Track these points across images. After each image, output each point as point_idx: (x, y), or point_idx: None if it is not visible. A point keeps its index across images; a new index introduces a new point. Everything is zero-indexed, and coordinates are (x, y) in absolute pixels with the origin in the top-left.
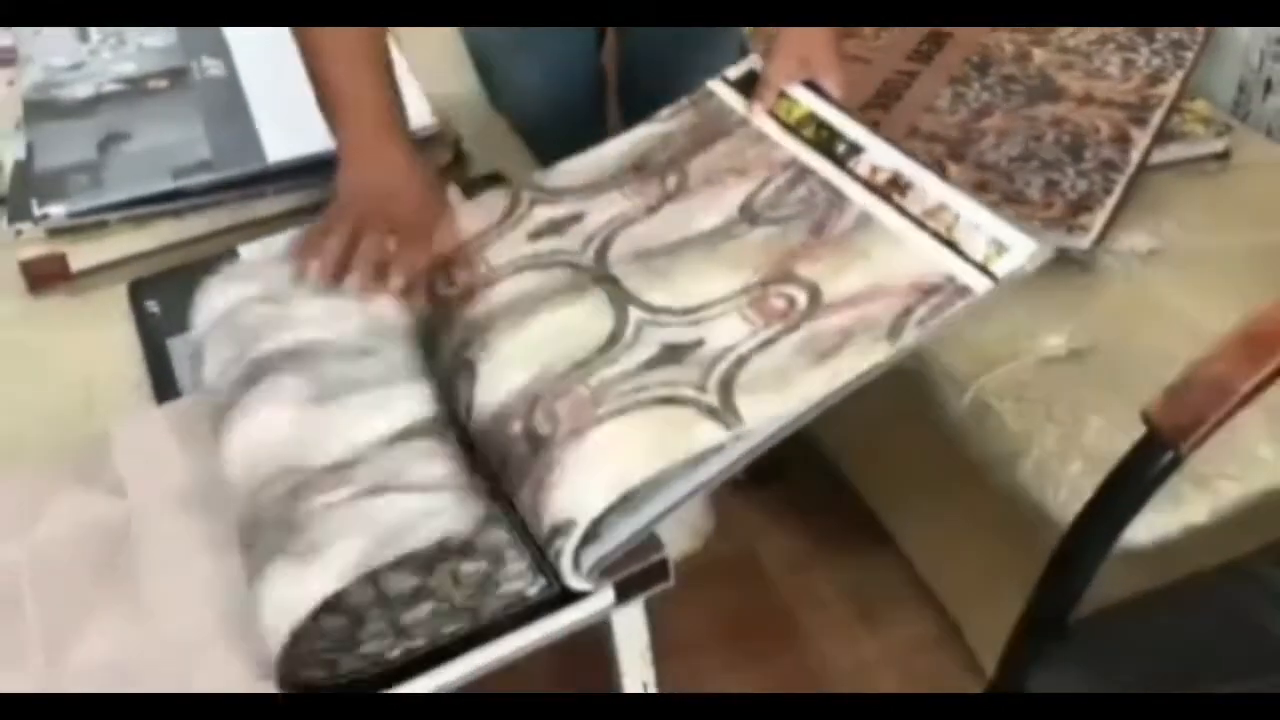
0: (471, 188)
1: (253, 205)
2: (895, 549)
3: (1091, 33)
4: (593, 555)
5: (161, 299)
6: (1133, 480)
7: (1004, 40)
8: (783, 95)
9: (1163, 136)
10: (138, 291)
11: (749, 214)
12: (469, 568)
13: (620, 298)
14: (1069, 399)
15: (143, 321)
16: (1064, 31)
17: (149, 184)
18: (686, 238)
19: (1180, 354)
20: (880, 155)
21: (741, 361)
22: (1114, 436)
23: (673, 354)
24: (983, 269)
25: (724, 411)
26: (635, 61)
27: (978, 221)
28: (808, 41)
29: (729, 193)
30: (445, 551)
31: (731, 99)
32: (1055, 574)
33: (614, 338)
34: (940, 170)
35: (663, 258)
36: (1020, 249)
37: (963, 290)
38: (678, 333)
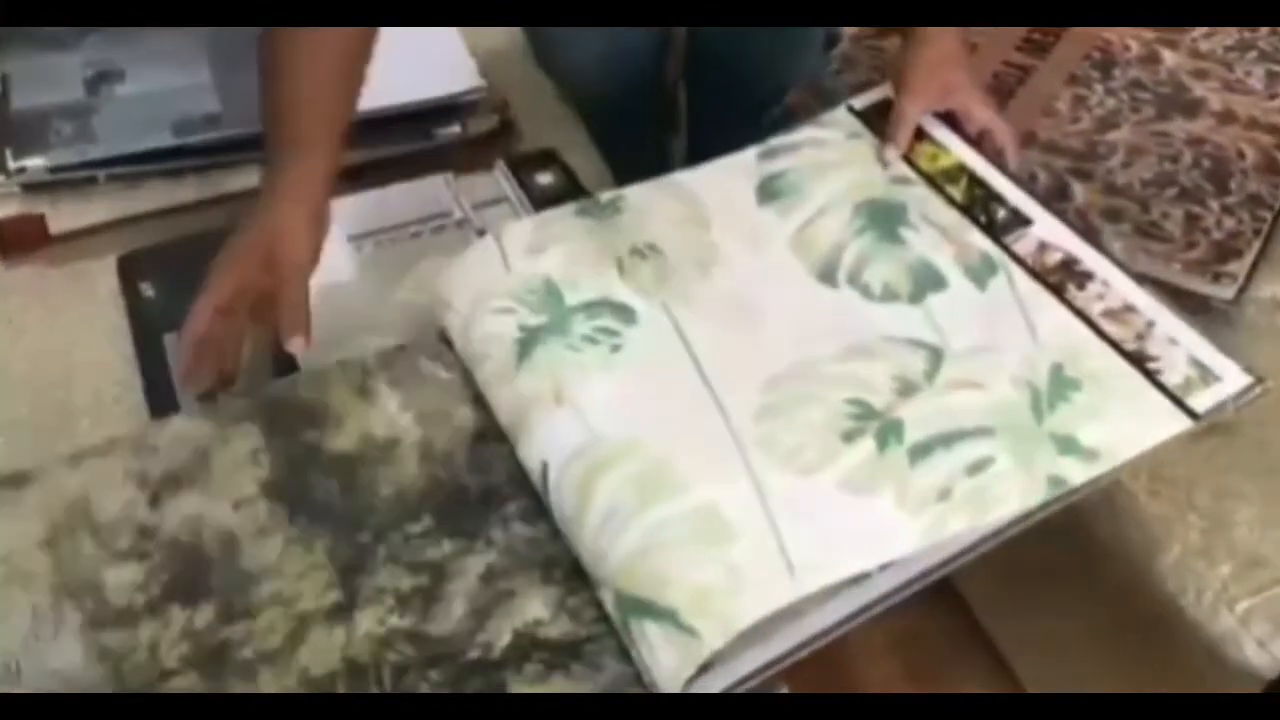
0: (522, 163)
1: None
2: (954, 592)
3: (1228, 36)
4: (703, 688)
5: (158, 281)
6: None
7: (1127, 37)
8: (924, 137)
9: None
10: (130, 269)
11: None
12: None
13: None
14: (1212, 484)
15: (135, 308)
16: (1196, 32)
17: (145, 138)
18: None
19: None
20: (1051, 232)
21: None
22: (1266, 533)
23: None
24: (1178, 401)
25: None
26: (706, 37)
27: (1176, 335)
28: (945, 62)
29: None
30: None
31: (860, 133)
32: None
33: None
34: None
35: None
36: (1231, 380)
37: None
38: None
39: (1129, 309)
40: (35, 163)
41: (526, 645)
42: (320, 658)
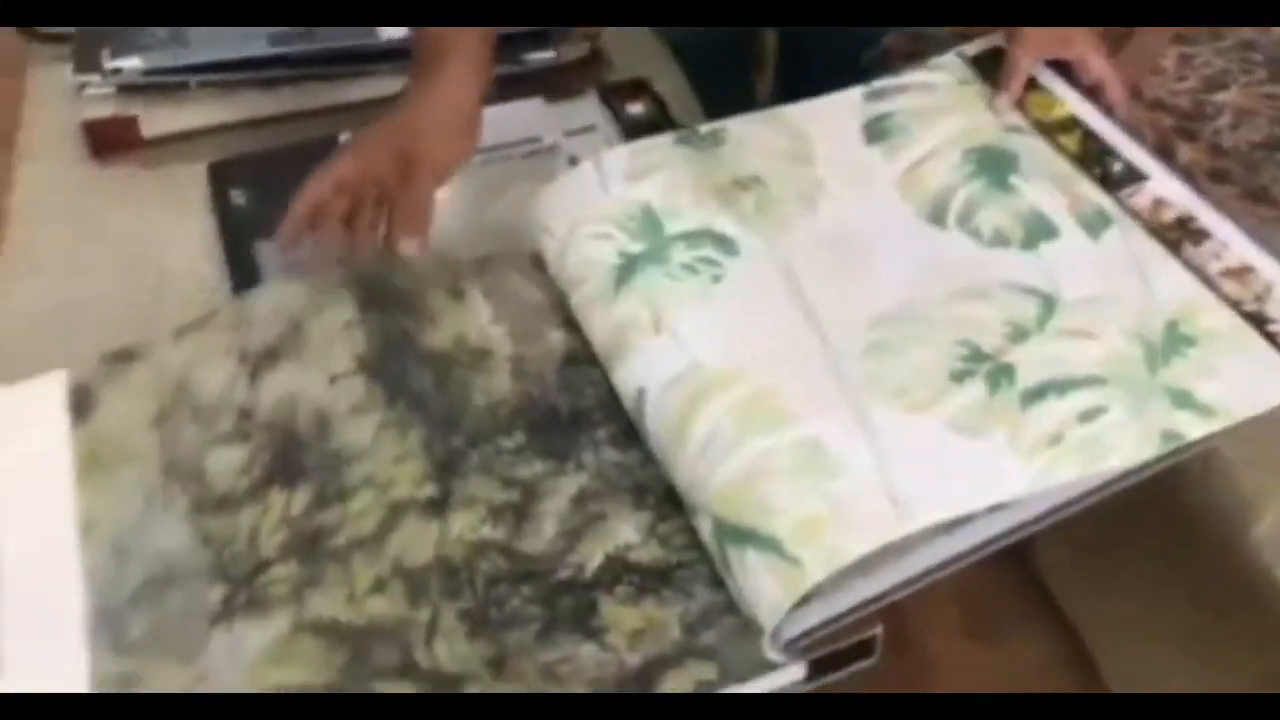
0: (613, 92)
1: (359, 84)
2: (1021, 553)
3: None
4: (797, 625)
5: (249, 190)
6: None
7: None
8: (1036, 86)
9: None
10: (220, 176)
11: None
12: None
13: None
14: None
15: (225, 214)
16: None
17: (241, 46)
18: None
19: None
20: (1167, 188)
21: None
22: None
23: None
24: None
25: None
26: None
27: None
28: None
29: None
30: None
31: (970, 80)
32: None
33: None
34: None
35: None
36: None
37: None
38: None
39: (1247, 269)
40: (130, 64)
41: (618, 568)
42: (413, 550)
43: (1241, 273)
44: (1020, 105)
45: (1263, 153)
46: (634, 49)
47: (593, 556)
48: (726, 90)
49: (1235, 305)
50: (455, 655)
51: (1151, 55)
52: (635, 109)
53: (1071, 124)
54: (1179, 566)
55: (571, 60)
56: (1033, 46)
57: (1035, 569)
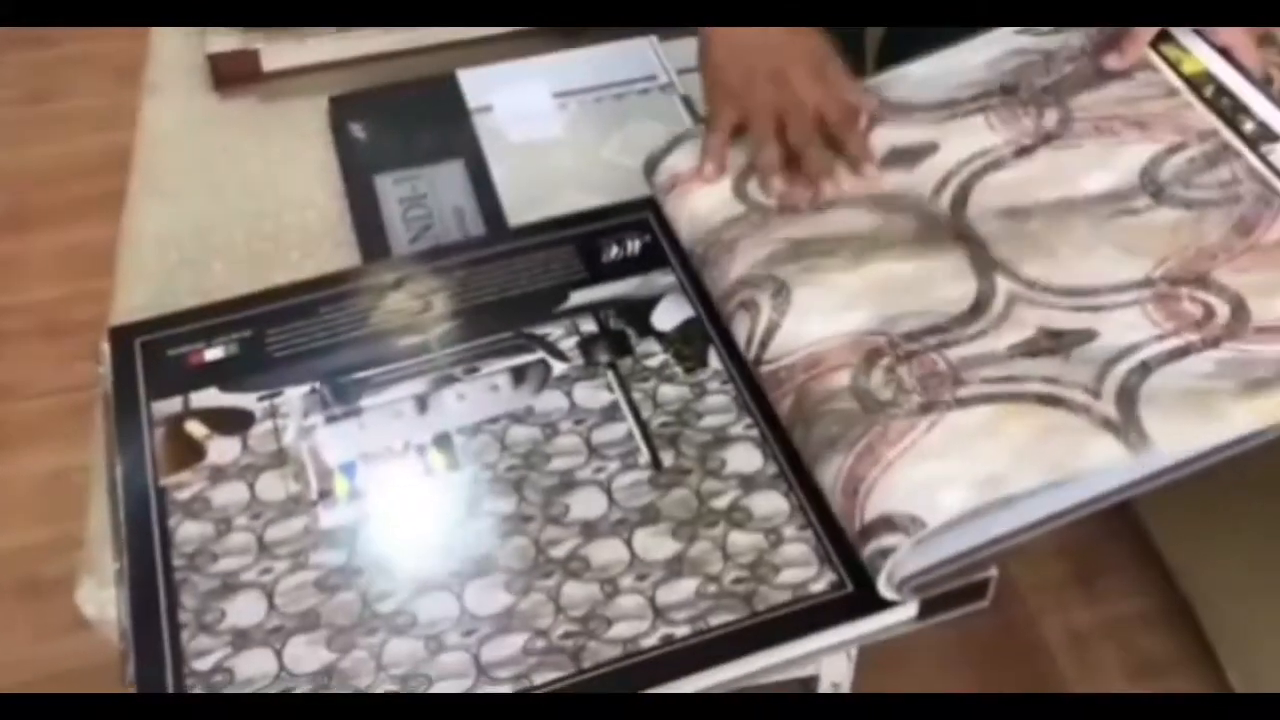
0: None
1: None
2: (1125, 509)
3: None
4: (915, 563)
5: (368, 124)
6: None
7: None
8: (1169, 40)
9: None
10: (341, 110)
11: (1152, 185)
12: (740, 539)
13: (985, 262)
14: None
15: (346, 147)
16: None
17: None
18: (1070, 199)
19: None
20: None
21: (1146, 369)
22: None
23: (1055, 342)
24: None
25: (1125, 427)
26: None
27: None
28: None
29: (1127, 150)
30: (710, 512)
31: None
32: None
33: (978, 308)
34: None
35: (1039, 220)
36: None
37: None
38: (1060, 317)
39: None
40: None
41: None
42: None
43: None
44: (1153, 56)
45: None
46: None
47: None
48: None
49: None
50: None
51: None
52: None
53: (1205, 79)
54: None
55: None
56: None
57: (1139, 522)
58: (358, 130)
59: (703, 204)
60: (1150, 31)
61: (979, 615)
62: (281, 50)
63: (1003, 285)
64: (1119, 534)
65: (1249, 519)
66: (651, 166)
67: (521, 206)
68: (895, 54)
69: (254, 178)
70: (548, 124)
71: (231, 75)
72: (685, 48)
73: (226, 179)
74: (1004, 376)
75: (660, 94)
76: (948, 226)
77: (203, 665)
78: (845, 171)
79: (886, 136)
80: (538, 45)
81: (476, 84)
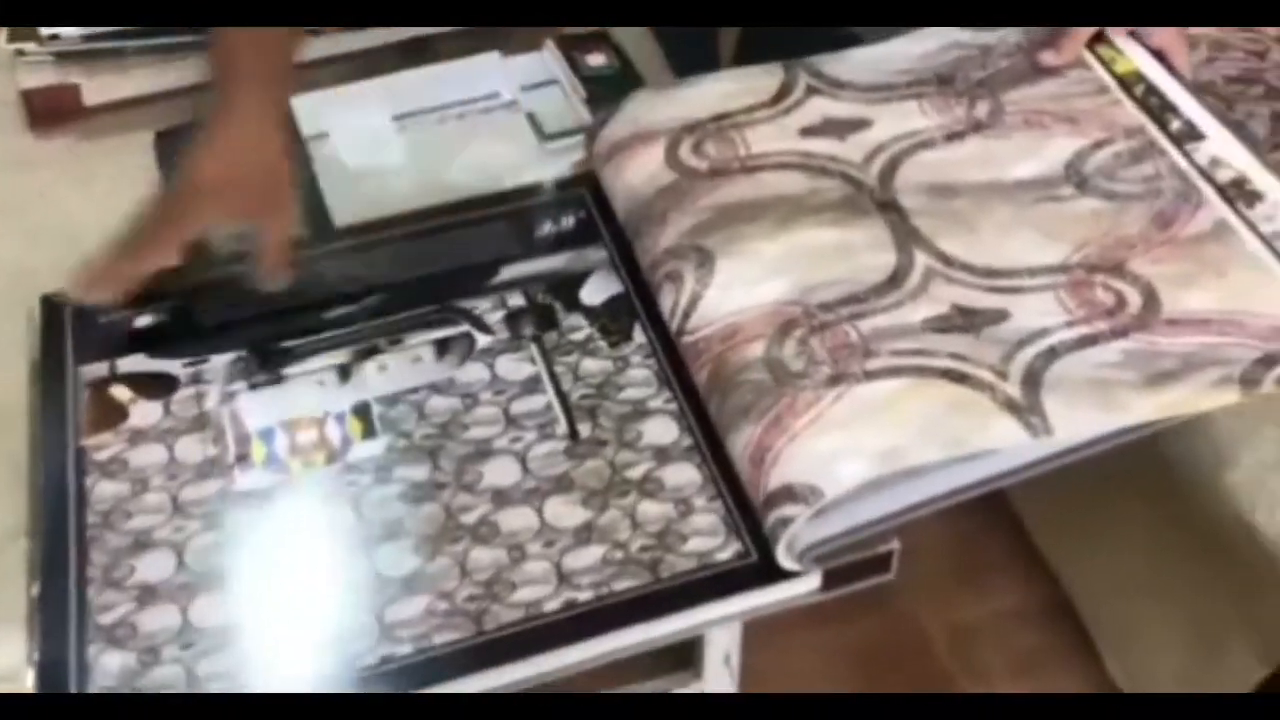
0: (572, 44)
1: (307, 42)
2: (1005, 500)
3: None
4: (817, 533)
5: None
6: None
7: None
8: (1104, 41)
9: None
10: (167, 146)
11: (1077, 176)
12: (650, 509)
13: (906, 234)
14: None
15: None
16: None
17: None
18: (996, 182)
19: None
20: (1224, 148)
21: (1053, 354)
22: None
23: (967, 320)
24: None
25: (1027, 410)
26: None
27: None
28: None
29: (1054, 142)
30: (623, 482)
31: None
32: None
33: (895, 279)
34: None
35: (964, 199)
36: None
37: None
38: (975, 295)
39: None
40: (68, 30)
41: None
42: None
43: None
44: (1088, 55)
45: (1238, 87)
46: None
47: None
48: (689, 36)
49: None
50: None
51: None
52: (595, 60)
53: (1136, 78)
54: (1157, 515)
55: None
56: None
57: (1016, 518)
58: None
59: (636, 174)
60: (1088, 31)
61: (863, 614)
62: (103, 83)
63: (921, 259)
64: (998, 531)
65: (1123, 517)
66: (592, 136)
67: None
68: (752, 58)
69: (75, 221)
70: (386, 148)
71: (48, 112)
72: (529, 63)
73: (43, 224)
74: (914, 350)
75: (505, 112)
76: (873, 196)
77: (106, 619)
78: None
79: (821, 107)
80: (377, 65)
81: (311, 110)
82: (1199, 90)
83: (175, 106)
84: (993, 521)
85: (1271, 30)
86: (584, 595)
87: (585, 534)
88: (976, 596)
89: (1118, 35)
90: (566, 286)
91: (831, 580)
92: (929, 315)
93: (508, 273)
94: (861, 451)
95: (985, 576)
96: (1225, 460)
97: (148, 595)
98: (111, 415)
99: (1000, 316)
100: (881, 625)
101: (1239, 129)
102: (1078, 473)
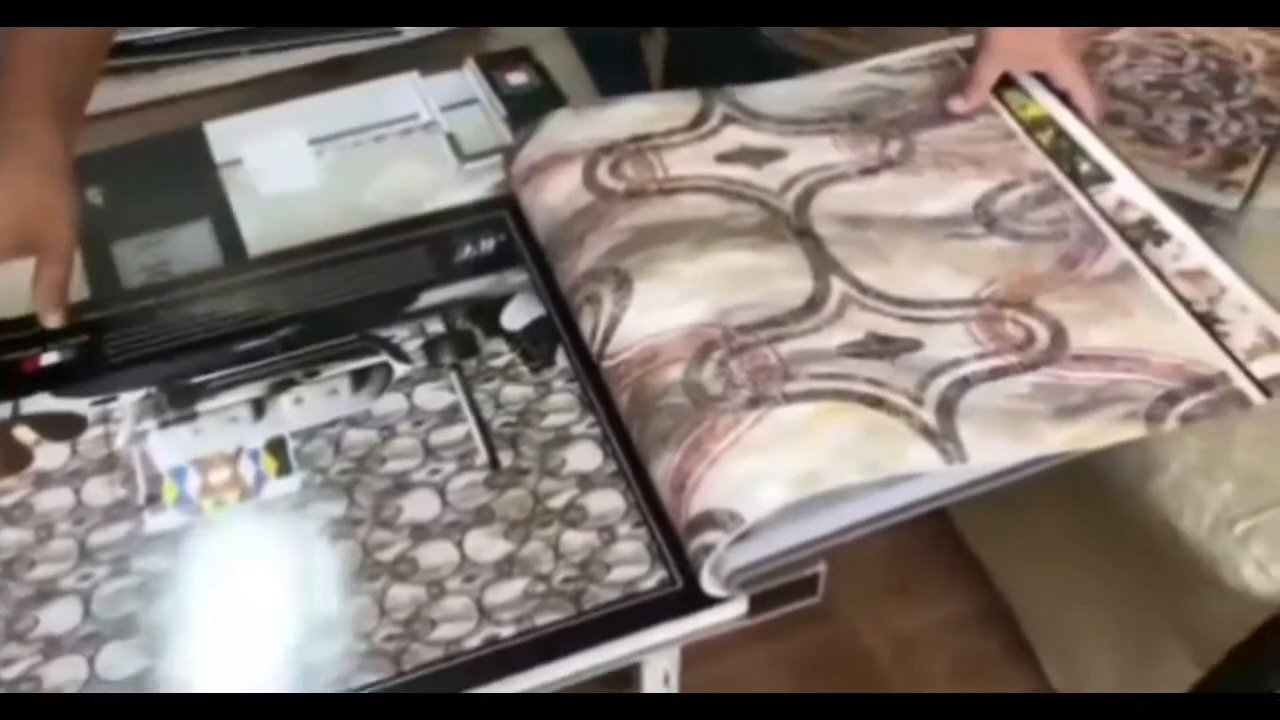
0: (492, 63)
1: (220, 68)
2: (941, 511)
3: None
4: (741, 558)
5: (106, 189)
6: None
7: None
8: (1014, 86)
9: None
10: (76, 175)
11: (985, 216)
12: (573, 539)
13: (823, 261)
14: None
15: (83, 214)
16: None
17: None
18: (907, 217)
19: None
20: (1131, 190)
21: (966, 384)
22: (1268, 451)
23: (883, 346)
24: (1245, 369)
25: (942, 437)
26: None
27: (1245, 302)
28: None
29: (962, 183)
30: (546, 512)
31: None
32: None
33: (812, 305)
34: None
35: (877, 231)
36: None
37: (1237, 397)
38: (890, 324)
39: (1203, 273)
40: None
41: None
42: None
43: (1197, 275)
44: (996, 102)
45: (1157, 93)
46: None
47: None
48: (614, 54)
49: (1187, 305)
50: None
51: None
52: (516, 79)
53: (1045, 122)
54: (1088, 522)
55: (448, 29)
56: (1000, 59)
57: (953, 527)
58: (95, 195)
59: (554, 196)
60: (992, 79)
61: (804, 627)
62: None
63: (837, 286)
64: (936, 540)
65: (1056, 524)
66: (510, 157)
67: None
68: (679, 78)
69: None
70: (303, 173)
71: None
72: (449, 82)
73: None
74: (832, 373)
75: (424, 133)
76: (789, 222)
77: (9, 673)
78: None
79: (737, 135)
80: (293, 88)
81: (224, 136)
82: (1105, 134)
83: (87, 132)
84: (930, 531)
85: (1188, 36)
86: (506, 631)
87: (507, 567)
88: (915, 606)
89: (1026, 80)
90: (487, 311)
91: (758, 604)
92: (846, 341)
93: (427, 299)
94: (780, 475)
95: (924, 586)
96: (1152, 468)
97: (52, 648)
98: (15, 458)
99: (914, 345)
100: (822, 637)
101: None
102: (1014, 486)
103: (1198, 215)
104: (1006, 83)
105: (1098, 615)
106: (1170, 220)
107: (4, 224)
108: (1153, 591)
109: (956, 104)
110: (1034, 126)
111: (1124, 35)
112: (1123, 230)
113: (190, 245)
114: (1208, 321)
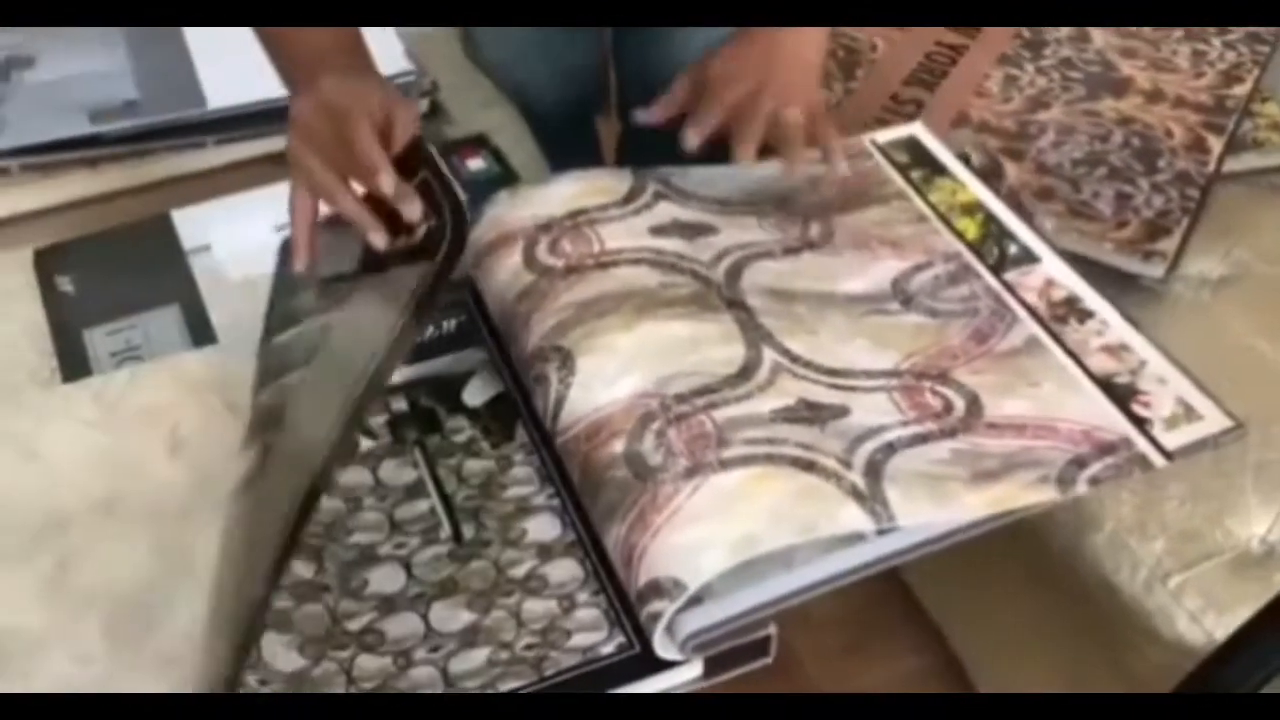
0: (452, 149)
1: (187, 158)
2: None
3: None
4: (693, 624)
5: (77, 276)
6: None
7: None
8: (942, 172)
9: (1234, 144)
10: (46, 263)
11: (902, 294)
12: (534, 607)
13: (754, 331)
14: None
15: (53, 303)
16: None
17: (60, 126)
18: (830, 294)
19: (1263, 405)
20: (1057, 270)
21: (891, 449)
22: (1197, 508)
23: (813, 413)
24: (1148, 434)
25: (871, 499)
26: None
27: (1164, 374)
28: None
29: (880, 264)
30: (508, 581)
31: (886, 167)
32: None
33: (745, 372)
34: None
35: (803, 305)
36: (1212, 421)
37: (1140, 460)
38: (819, 391)
39: (1124, 347)
40: None
41: None
42: None
43: (1118, 349)
44: (927, 191)
45: (1084, 169)
46: (472, 101)
47: None
48: (572, 136)
49: (1109, 379)
50: None
51: (978, 78)
52: (475, 164)
53: (975, 208)
54: (1033, 578)
55: None
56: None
57: (905, 584)
58: (65, 284)
59: (500, 277)
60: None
61: (764, 687)
62: None
63: (768, 355)
64: (889, 598)
65: (1002, 579)
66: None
67: (242, 347)
68: (634, 162)
69: None
70: (269, 258)
71: None
72: None
73: None
74: (765, 438)
75: None
76: (721, 293)
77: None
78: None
79: (669, 210)
80: (258, 176)
81: (192, 223)
82: (1027, 214)
83: (56, 222)
84: (883, 588)
85: (1111, 114)
86: None
87: (471, 636)
88: (872, 662)
89: (954, 166)
90: (449, 389)
91: (713, 666)
92: (777, 406)
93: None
94: (719, 542)
95: (879, 643)
96: (1088, 526)
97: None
98: None
99: (842, 412)
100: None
101: (1062, 254)
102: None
103: (1125, 284)
104: (938, 170)
105: (1043, 665)
106: (1093, 299)
107: (366, 105)
108: (1095, 644)
109: (786, 169)
110: (964, 212)
111: (1053, 114)
112: (1049, 307)
113: (159, 330)
114: (1129, 393)
